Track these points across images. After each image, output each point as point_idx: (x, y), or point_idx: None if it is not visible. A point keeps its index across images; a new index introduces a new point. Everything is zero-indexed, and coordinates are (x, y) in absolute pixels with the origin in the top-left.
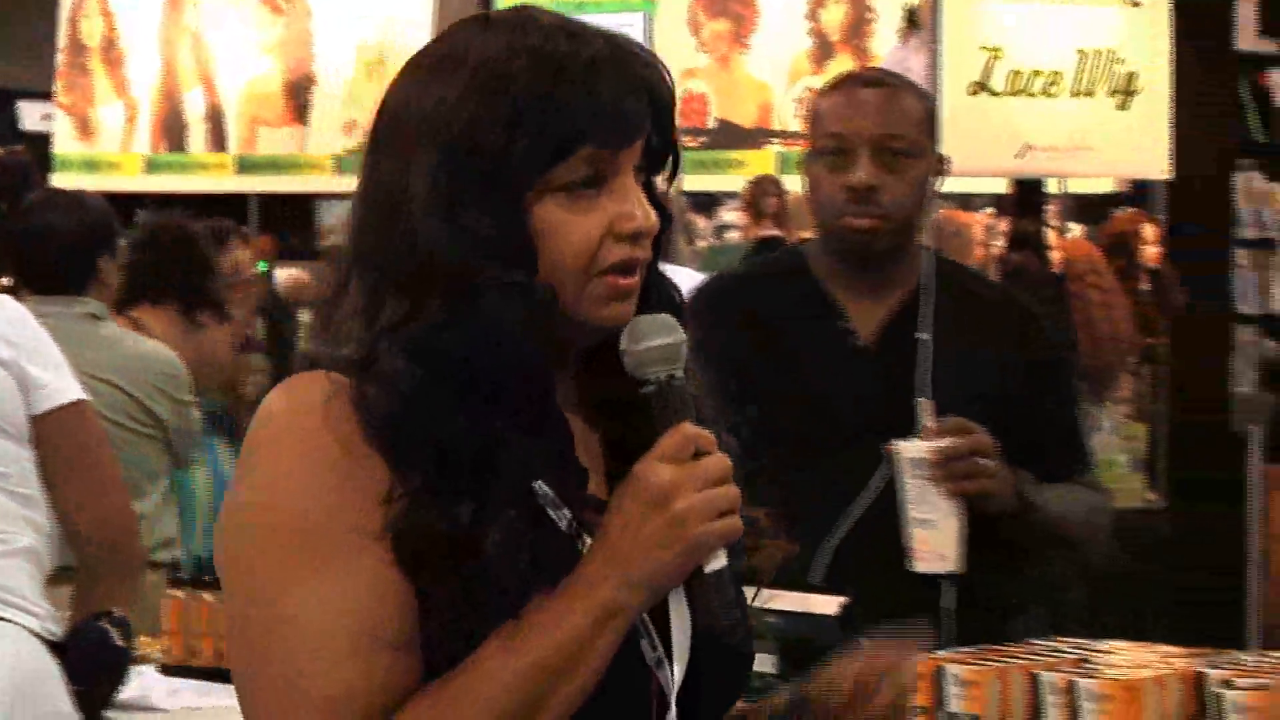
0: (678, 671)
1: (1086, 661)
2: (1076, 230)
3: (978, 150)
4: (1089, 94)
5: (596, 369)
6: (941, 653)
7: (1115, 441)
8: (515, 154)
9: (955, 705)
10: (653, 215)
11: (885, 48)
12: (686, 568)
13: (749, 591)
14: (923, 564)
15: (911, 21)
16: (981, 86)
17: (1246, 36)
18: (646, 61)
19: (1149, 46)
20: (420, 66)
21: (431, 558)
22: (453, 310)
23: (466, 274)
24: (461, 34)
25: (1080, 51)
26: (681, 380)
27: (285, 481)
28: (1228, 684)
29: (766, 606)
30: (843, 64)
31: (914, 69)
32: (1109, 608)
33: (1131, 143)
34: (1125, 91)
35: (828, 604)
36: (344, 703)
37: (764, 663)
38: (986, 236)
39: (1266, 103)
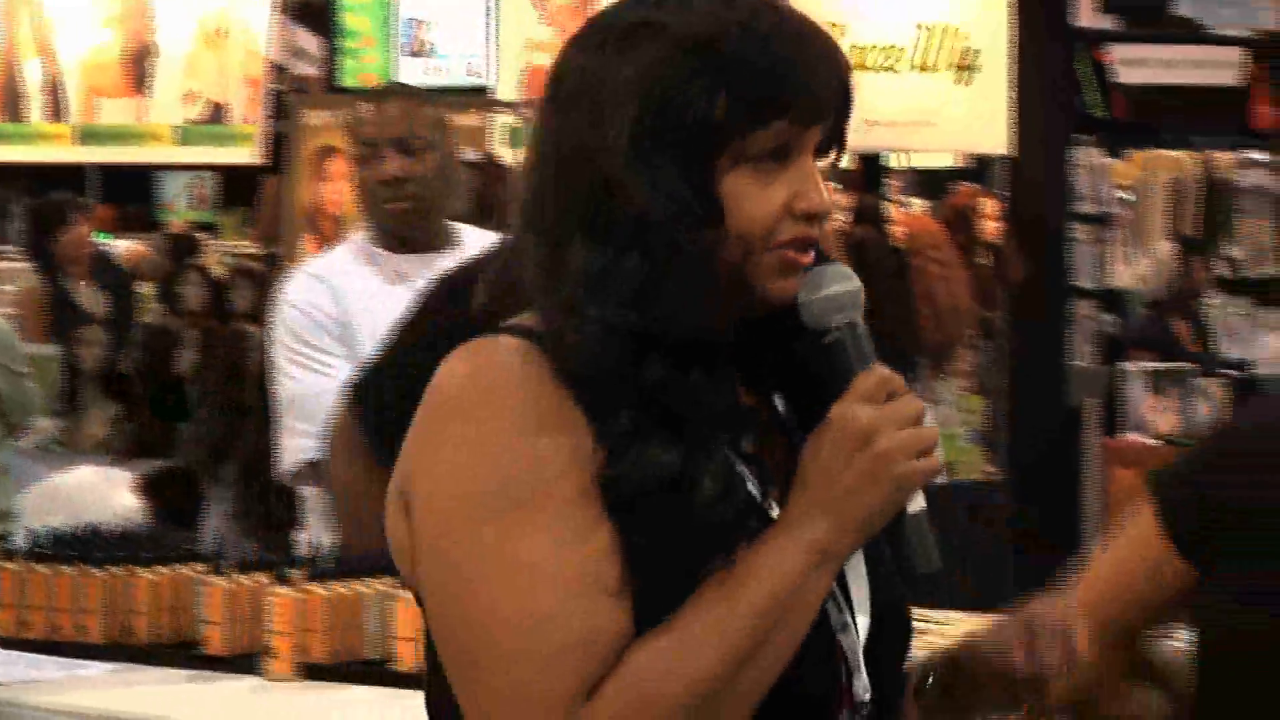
0: (862, 632)
1: (923, 632)
2: (918, 205)
3: None
4: (930, 69)
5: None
6: None
7: (954, 414)
8: (715, 118)
9: None
10: (829, 198)
11: None
12: (893, 507)
13: None
14: None
15: None
16: None
17: (1085, 12)
18: (838, 47)
19: (989, 22)
20: (611, 33)
21: (643, 504)
22: (652, 265)
23: (665, 231)
24: (651, 3)
25: (921, 26)
26: (864, 327)
27: (492, 443)
28: None
29: None
30: None
31: None
32: (951, 577)
33: (972, 118)
34: (965, 67)
35: None
36: (592, 641)
37: None
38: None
39: (1105, 78)
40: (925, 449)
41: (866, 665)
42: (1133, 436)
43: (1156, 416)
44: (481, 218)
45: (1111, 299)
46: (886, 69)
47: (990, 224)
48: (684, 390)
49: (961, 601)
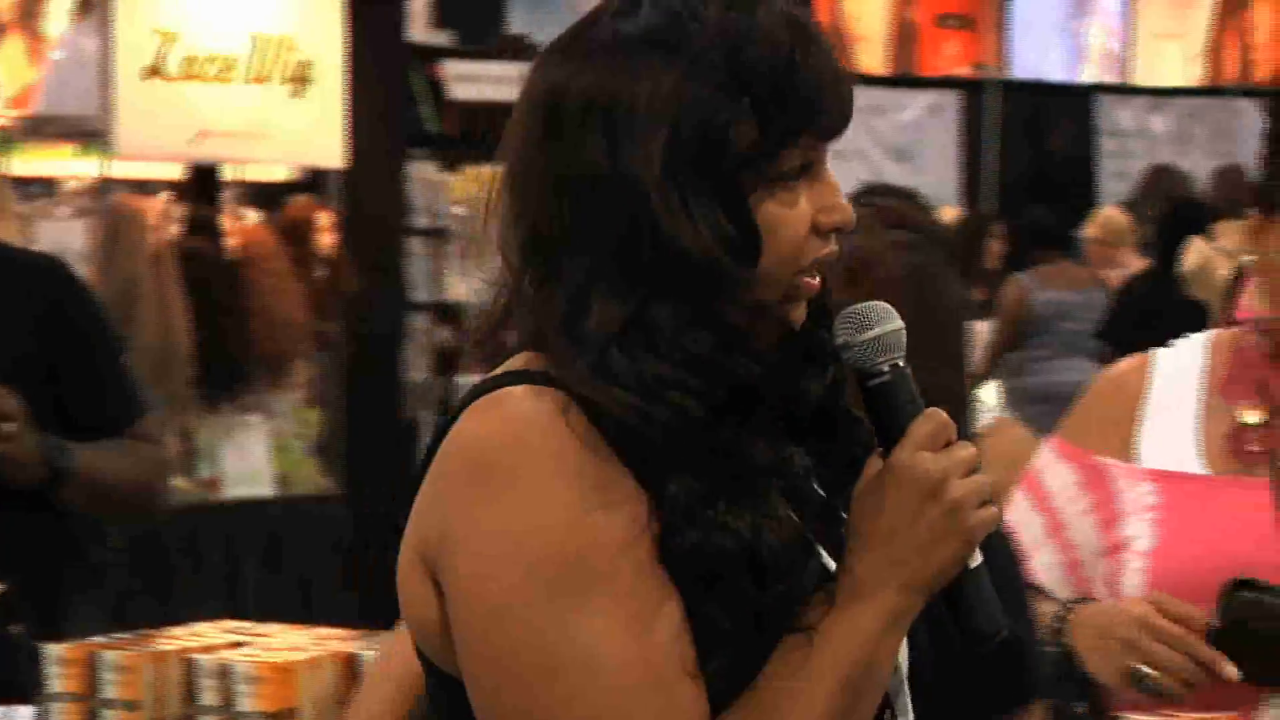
0: (904, 667)
1: (243, 645)
2: (252, 216)
3: (153, 135)
4: (264, 80)
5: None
6: (97, 639)
7: (290, 427)
8: (746, 141)
9: (110, 692)
10: (852, 210)
11: (59, 29)
12: (960, 562)
13: None
14: None
15: (85, 3)
16: (155, 70)
17: (419, 27)
18: (835, 44)
19: (323, 34)
20: (614, 46)
21: (713, 575)
22: (693, 306)
23: (708, 268)
24: (654, 11)
25: (255, 37)
26: (909, 367)
27: (543, 511)
28: None
29: None
30: (15, 45)
31: (87, 51)
32: (284, 591)
33: (307, 130)
34: (300, 79)
35: None
36: None
37: None
38: (163, 221)
39: (439, 94)
40: (987, 497)
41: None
42: None
43: None
44: None
45: (447, 312)
46: (220, 79)
47: (325, 236)
48: (735, 443)
49: (293, 612)
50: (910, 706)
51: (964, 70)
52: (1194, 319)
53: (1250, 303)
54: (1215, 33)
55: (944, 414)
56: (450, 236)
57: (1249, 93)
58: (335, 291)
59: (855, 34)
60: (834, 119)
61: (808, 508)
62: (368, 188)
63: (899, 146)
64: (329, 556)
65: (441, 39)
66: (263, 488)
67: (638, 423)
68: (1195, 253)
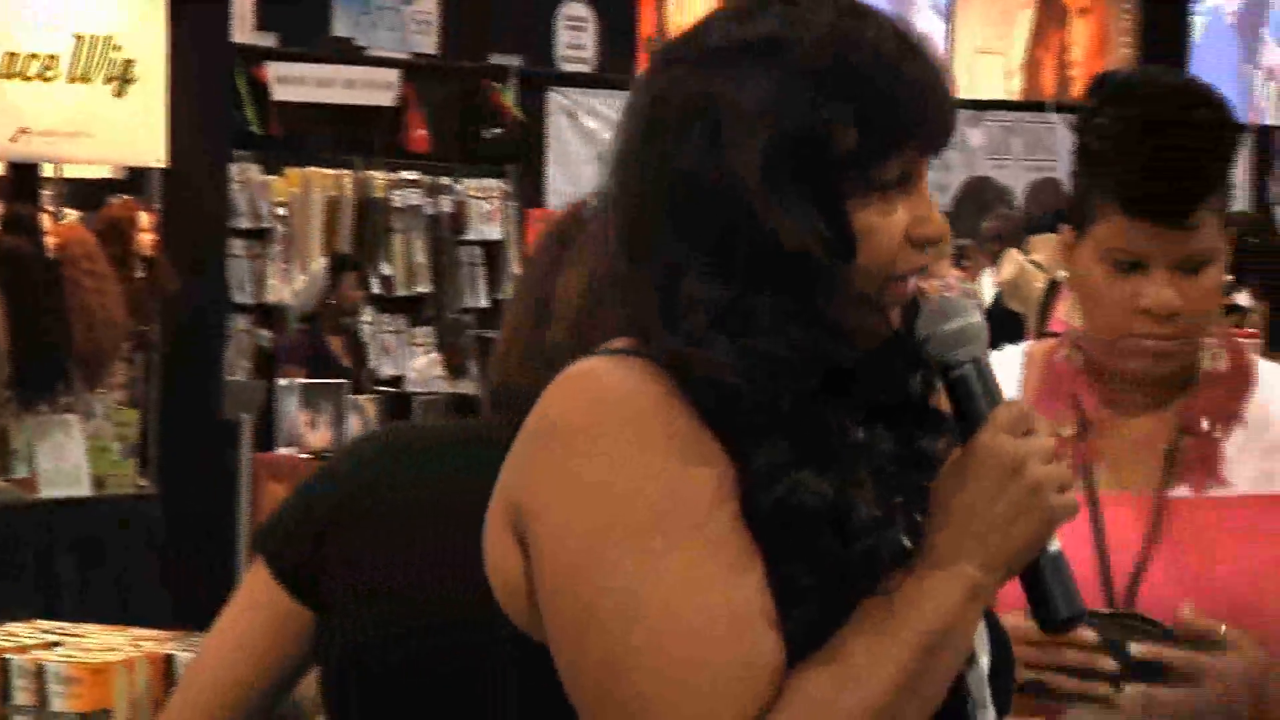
0: (985, 665)
1: (58, 645)
2: (72, 216)
3: None
4: (86, 79)
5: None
6: None
7: (108, 428)
8: (849, 146)
9: None
10: (945, 222)
11: None
12: (1040, 542)
13: None
14: None
15: None
16: None
17: (243, 28)
18: (941, 58)
19: (146, 34)
20: (722, 50)
21: (794, 535)
22: (786, 299)
23: (801, 265)
24: (767, 18)
25: (78, 36)
26: (989, 359)
27: (633, 468)
28: None
29: None
30: None
31: None
32: (101, 591)
33: (129, 130)
34: (122, 78)
35: None
36: (753, 676)
37: None
38: None
39: (263, 95)
40: (1067, 484)
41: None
42: (286, 451)
43: (309, 432)
44: None
45: (267, 314)
46: (43, 78)
47: (146, 236)
48: (827, 420)
49: (110, 612)
50: (990, 701)
51: None
52: (1010, 331)
53: (1064, 316)
54: (1033, 49)
55: (1024, 404)
56: (272, 237)
57: (1065, 108)
58: (155, 292)
59: None
60: (935, 132)
61: (891, 490)
62: (189, 188)
63: None
64: (146, 557)
65: (265, 41)
66: (80, 488)
67: (730, 392)
68: (1010, 265)
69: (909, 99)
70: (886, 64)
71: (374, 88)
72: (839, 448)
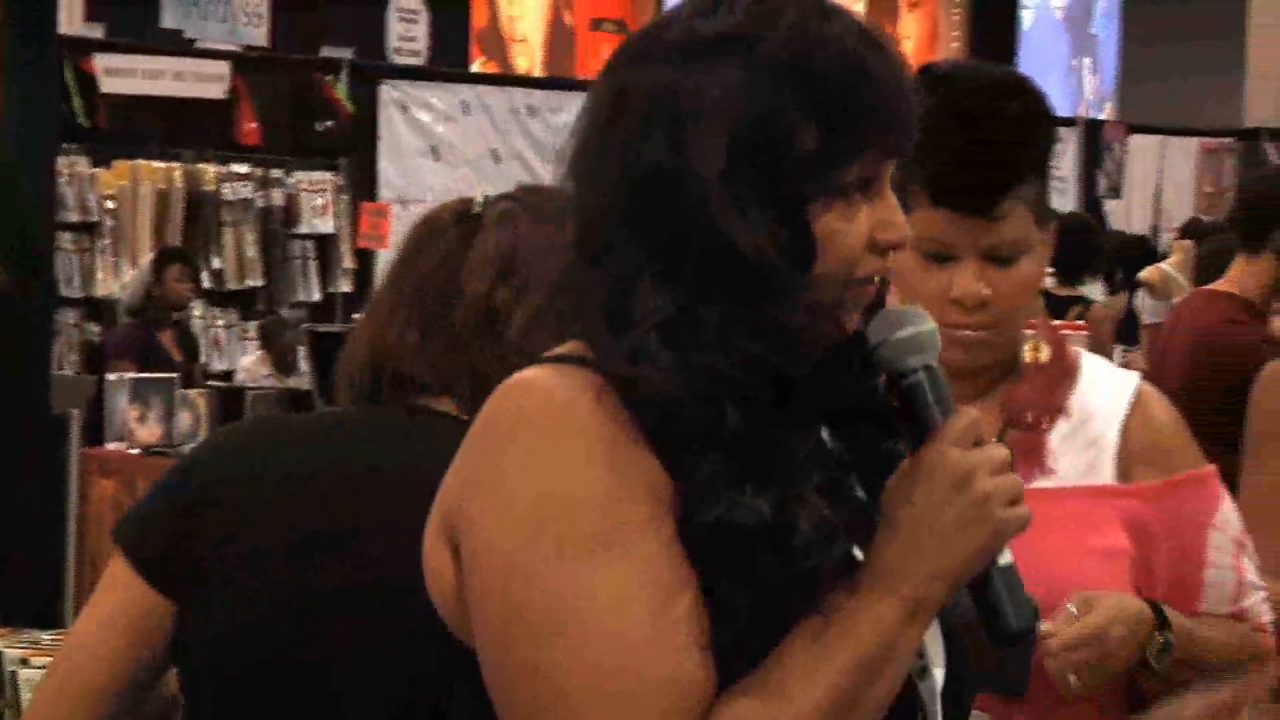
0: (939, 678)
1: None
2: None
3: None
4: None
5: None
6: None
7: None
8: (809, 149)
9: None
10: (908, 230)
11: None
12: (987, 555)
13: None
14: None
15: None
16: None
17: (71, 19)
18: (907, 63)
19: None
20: (686, 46)
21: (731, 553)
22: (738, 305)
23: (757, 270)
24: (732, 13)
25: None
26: (940, 369)
27: (567, 477)
28: (24, 662)
29: None
30: None
31: None
32: None
33: None
34: None
35: None
36: (680, 695)
37: None
38: None
39: (91, 87)
40: (1017, 496)
41: (942, 713)
42: (115, 446)
43: (139, 427)
44: None
45: (96, 308)
46: None
47: None
48: (771, 434)
49: None
50: (941, 715)
51: None
52: None
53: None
54: None
55: (975, 413)
56: (100, 231)
57: None
58: None
59: (512, 36)
60: (899, 134)
61: (841, 501)
62: (17, 181)
63: (555, 149)
64: None
65: (92, 32)
66: None
67: (669, 407)
68: None
69: (873, 100)
70: (851, 63)
71: (204, 80)
72: (782, 461)
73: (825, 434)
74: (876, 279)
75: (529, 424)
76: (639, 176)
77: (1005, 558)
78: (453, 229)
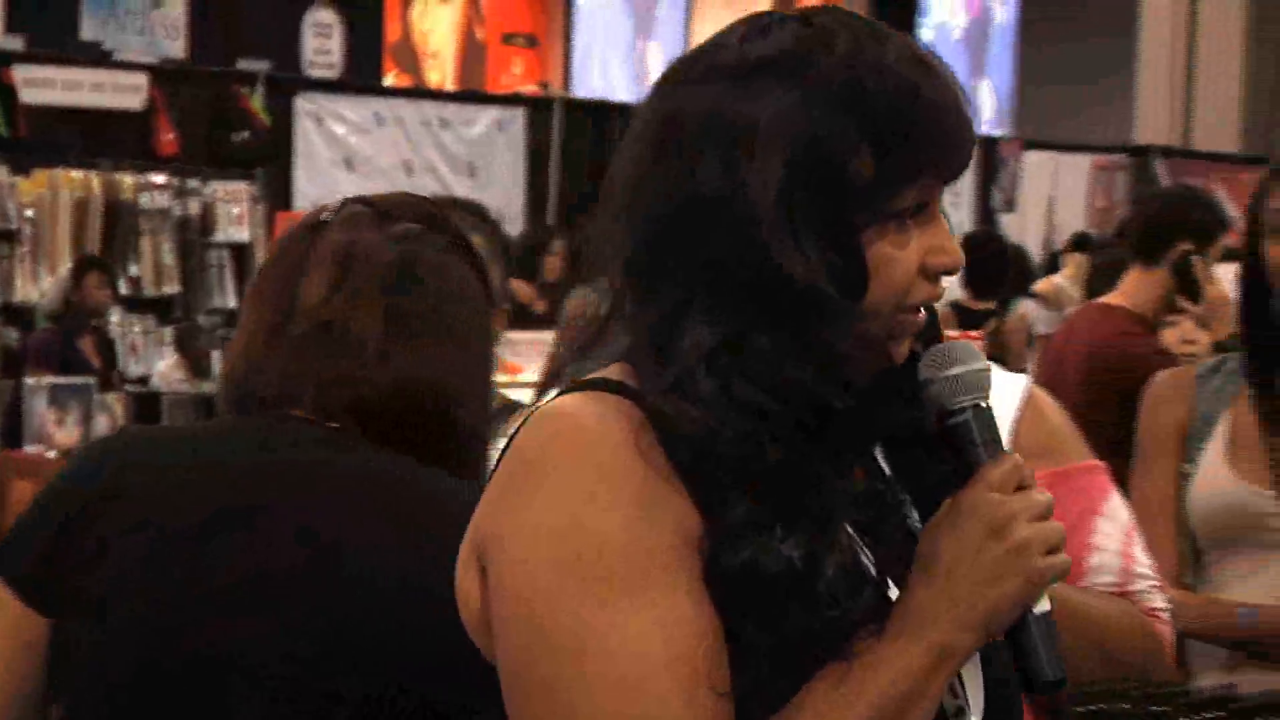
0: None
1: None
2: None
3: None
4: None
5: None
6: None
7: None
8: (864, 175)
9: None
10: (961, 253)
11: None
12: (1023, 604)
13: None
14: None
15: None
16: None
17: None
18: (962, 85)
19: None
20: (734, 68)
21: (757, 599)
22: (789, 336)
23: (809, 298)
24: (783, 36)
25: None
26: (990, 409)
27: (595, 507)
28: None
29: None
30: None
31: None
32: None
33: None
34: None
35: None
36: None
37: None
38: None
39: (10, 98)
40: (1057, 545)
41: None
42: (33, 449)
43: (57, 430)
44: None
45: (15, 314)
46: None
47: None
48: (809, 470)
49: None
50: None
51: (529, 88)
52: None
53: None
54: None
55: (1019, 458)
56: (19, 239)
57: None
58: None
59: (425, 50)
60: (952, 161)
61: (883, 537)
62: None
63: (467, 161)
64: None
65: (12, 44)
66: None
67: (705, 442)
68: None
69: (927, 124)
70: (905, 87)
71: (122, 91)
72: (816, 502)
73: (882, 460)
74: (923, 307)
75: (560, 453)
76: (690, 203)
77: (1043, 605)
78: (304, 238)
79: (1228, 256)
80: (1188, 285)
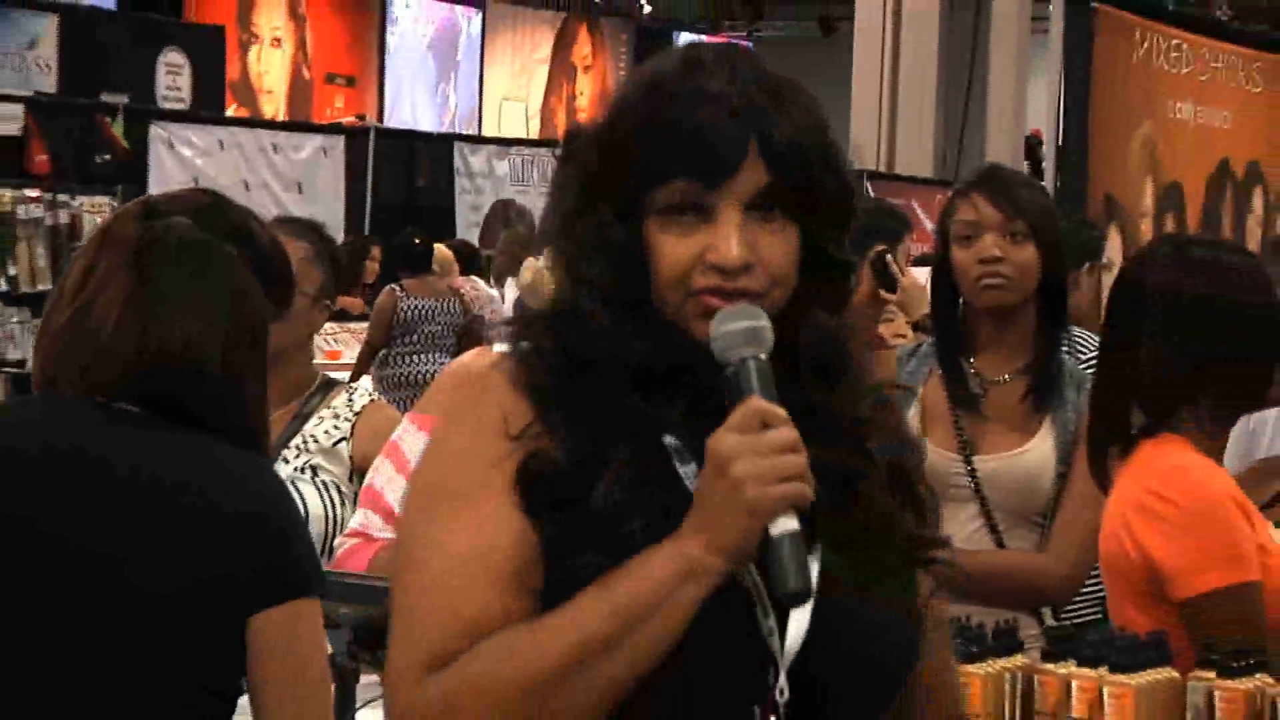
0: (791, 636)
1: None
2: None
3: None
4: None
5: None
6: None
7: None
8: (629, 175)
9: None
10: (737, 251)
11: None
12: (751, 531)
13: None
14: None
15: None
16: None
17: None
18: (783, 104)
19: None
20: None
21: (545, 495)
22: (595, 300)
23: (604, 271)
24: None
25: None
26: (761, 362)
27: (439, 443)
28: None
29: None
30: None
31: None
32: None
33: None
34: None
35: None
36: (468, 619)
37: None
38: None
39: None
40: (786, 475)
41: (801, 671)
42: None
43: None
44: None
45: None
46: None
47: None
48: (615, 404)
49: None
50: (788, 690)
51: (349, 119)
52: None
53: None
54: (548, 97)
55: (762, 402)
56: None
57: None
58: None
59: (260, 87)
60: (709, 166)
61: (660, 484)
62: None
63: (296, 180)
64: None
65: None
66: None
67: (541, 381)
68: (529, 271)
69: (665, 134)
70: (662, 99)
71: (2, 120)
72: (622, 426)
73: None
74: (715, 293)
75: (450, 396)
76: (557, 196)
77: (778, 528)
78: (96, 236)
79: (921, 261)
80: (884, 278)
